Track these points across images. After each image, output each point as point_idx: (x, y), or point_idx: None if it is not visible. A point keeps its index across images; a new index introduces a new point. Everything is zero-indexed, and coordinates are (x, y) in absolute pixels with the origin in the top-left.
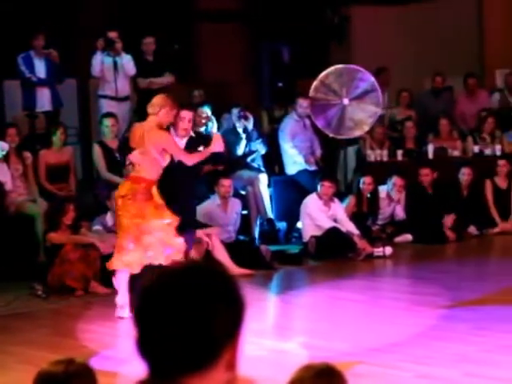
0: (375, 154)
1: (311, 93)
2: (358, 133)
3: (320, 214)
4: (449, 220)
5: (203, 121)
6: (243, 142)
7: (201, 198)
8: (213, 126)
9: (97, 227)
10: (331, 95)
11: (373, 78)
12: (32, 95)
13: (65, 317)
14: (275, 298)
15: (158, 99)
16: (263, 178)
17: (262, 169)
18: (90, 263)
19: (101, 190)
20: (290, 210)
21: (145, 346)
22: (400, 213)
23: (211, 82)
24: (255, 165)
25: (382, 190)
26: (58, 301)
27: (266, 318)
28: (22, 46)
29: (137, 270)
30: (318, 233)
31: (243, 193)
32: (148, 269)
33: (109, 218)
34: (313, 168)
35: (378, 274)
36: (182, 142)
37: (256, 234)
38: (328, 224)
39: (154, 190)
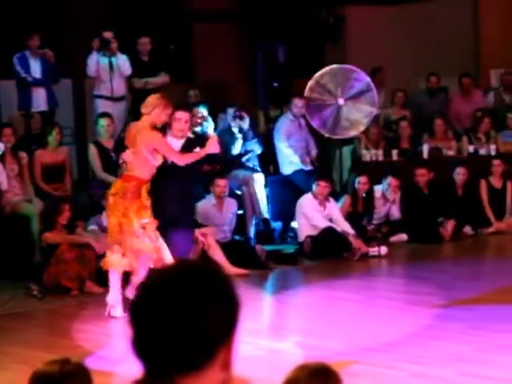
0: (370, 154)
1: (306, 93)
2: (353, 133)
3: (315, 213)
4: (449, 226)
5: (199, 121)
6: (239, 142)
7: (196, 198)
8: (208, 126)
9: (92, 227)
10: (326, 95)
11: (368, 78)
12: (27, 95)
13: (60, 317)
14: (271, 297)
15: (151, 99)
16: (259, 178)
17: (258, 169)
18: (85, 263)
19: (96, 190)
20: (286, 209)
21: (140, 346)
22: (395, 213)
23: (207, 81)
24: (251, 165)
25: (378, 189)
26: (54, 301)
27: (261, 318)
28: (17, 46)
29: (128, 269)
30: (314, 232)
31: (239, 193)
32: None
33: (104, 218)
34: (308, 168)
35: (374, 273)
36: (179, 143)
37: (251, 234)
38: (323, 224)
39: (143, 190)
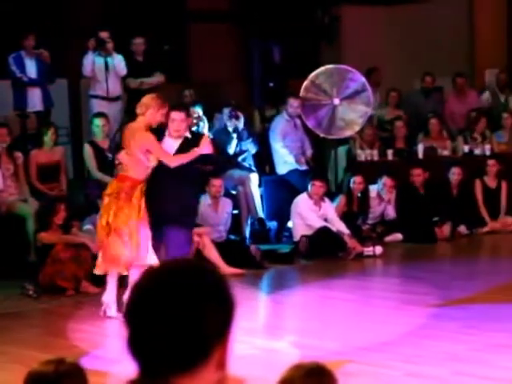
0: (365, 154)
1: (302, 93)
2: (348, 133)
3: (310, 213)
4: (445, 228)
5: (194, 121)
6: (234, 142)
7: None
8: (204, 126)
9: (87, 227)
10: (322, 95)
11: (363, 78)
12: (23, 95)
13: (56, 316)
14: (266, 297)
15: (145, 99)
16: (254, 178)
17: (253, 168)
18: (81, 263)
19: (92, 190)
20: (281, 209)
21: (135, 346)
22: (391, 212)
23: (202, 81)
24: (246, 164)
25: (373, 189)
26: (49, 300)
27: (256, 317)
28: (12, 46)
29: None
30: (309, 232)
31: (234, 192)
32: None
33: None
34: (303, 168)
35: (369, 273)
36: (176, 144)
37: (247, 234)
38: (318, 223)
39: (138, 190)
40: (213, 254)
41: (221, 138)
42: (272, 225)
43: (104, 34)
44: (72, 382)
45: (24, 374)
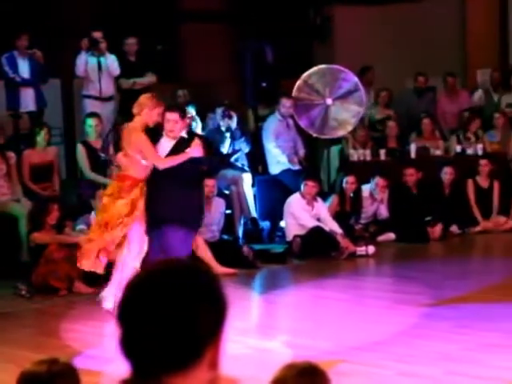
0: (358, 154)
1: (294, 93)
2: (341, 132)
3: (303, 213)
4: (436, 230)
5: (187, 121)
6: (227, 141)
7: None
8: (197, 126)
9: (80, 227)
10: (314, 95)
11: (356, 78)
12: (16, 95)
13: (48, 316)
14: (259, 296)
15: (141, 99)
16: (247, 178)
17: (246, 168)
18: (74, 263)
19: (84, 190)
20: (274, 209)
21: (128, 345)
22: (383, 212)
23: (195, 81)
24: (239, 164)
25: (365, 189)
26: (42, 300)
27: (249, 317)
28: (5, 46)
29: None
30: (302, 232)
31: (227, 192)
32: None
33: (93, 218)
34: (296, 167)
35: (361, 272)
36: (170, 144)
37: (240, 234)
38: (311, 223)
39: (137, 189)
40: (205, 254)
41: (214, 138)
42: (265, 224)
43: (97, 34)
44: (65, 381)
45: (17, 374)
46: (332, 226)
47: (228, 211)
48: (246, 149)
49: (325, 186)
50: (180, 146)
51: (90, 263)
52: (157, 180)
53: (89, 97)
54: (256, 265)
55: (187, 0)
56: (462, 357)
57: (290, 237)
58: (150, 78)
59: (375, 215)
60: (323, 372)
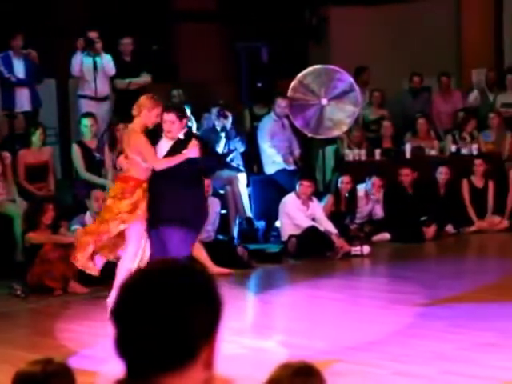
0: (353, 154)
1: (289, 93)
2: (336, 132)
3: (298, 213)
4: (430, 231)
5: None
6: (223, 141)
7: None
8: (192, 126)
9: (76, 227)
10: (310, 95)
11: (351, 79)
12: (11, 95)
13: (44, 316)
14: (254, 296)
15: (140, 100)
16: (242, 178)
17: (242, 168)
18: (69, 263)
19: (80, 190)
20: (269, 209)
21: (123, 345)
22: (379, 212)
23: (190, 81)
24: (234, 164)
25: (360, 188)
26: (37, 300)
27: (244, 317)
28: (0, 46)
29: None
30: (297, 232)
31: (222, 192)
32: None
33: (88, 218)
34: (291, 167)
35: (356, 272)
36: (168, 145)
37: (235, 234)
38: (306, 223)
39: (140, 190)
40: (201, 254)
41: (209, 138)
42: (260, 224)
43: (93, 34)
44: (60, 381)
45: (12, 374)
46: (327, 225)
47: (223, 211)
48: (241, 149)
49: (320, 185)
50: (177, 146)
51: (83, 260)
52: (156, 180)
53: (84, 97)
54: (251, 265)
55: (182, 0)
56: (457, 356)
57: (285, 237)
58: (145, 78)
59: (370, 215)
60: (318, 372)
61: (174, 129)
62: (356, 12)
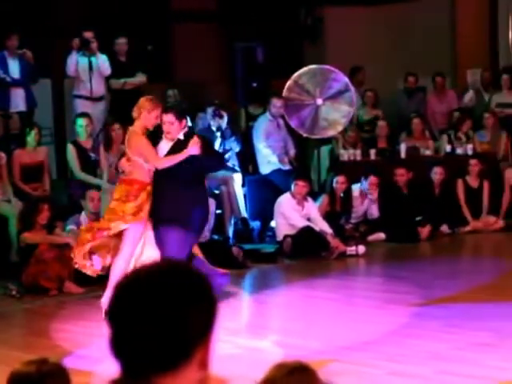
0: (348, 154)
1: (285, 93)
2: (331, 132)
3: (293, 213)
4: (425, 231)
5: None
6: (218, 141)
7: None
8: (192, 126)
9: (71, 227)
10: (305, 95)
11: (346, 79)
12: (6, 95)
13: (39, 316)
14: (249, 296)
15: (139, 102)
16: (237, 178)
17: (237, 168)
18: (65, 263)
19: (75, 190)
20: (264, 209)
21: (118, 345)
22: (374, 212)
23: (185, 81)
24: (230, 164)
25: (355, 188)
26: (32, 301)
27: (240, 317)
28: None
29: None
30: (292, 232)
31: (217, 192)
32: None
33: (83, 218)
34: (287, 167)
35: (351, 272)
36: (168, 145)
37: (230, 234)
38: (301, 223)
39: (144, 193)
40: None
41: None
42: (255, 224)
43: (88, 34)
44: (55, 382)
45: (7, 374)
46: (322, 225)
47: (218, 211)
48: (236, 148)
49: (315, 185)
50: (177, 147)
51: (80, 257)
52: (157, 180)
53: (79, 97)
54: (246, 265)
55: (178, 0)
56: (452, 356)
57: (280, 237)
58: (140, 78)
59: (365, 215)
60: (314, 372)
61: (173, 130)
62: (351, 12)
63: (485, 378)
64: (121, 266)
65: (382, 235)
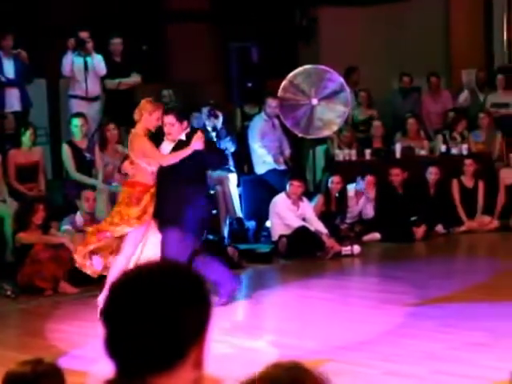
0: (344, 154)
1: (280, 93)
2: (326, 132)
3: (289, 213)
4: (420, 232)
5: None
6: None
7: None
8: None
9: (66, 227)
10: (300, 95)
11: (341, 79)
12: (1, 95)
13: (34, 317)
14: (244, 296)
15: (140, 104)
16: (232, 178)
17: (232, 168)
18: (60, 263)
19: (70, 190)
20: (259, 209)
21: (113, 345)
22: (369, 211)
23: (180, 81)
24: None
25: (351, 188)
26: (27, 301)
27: (235, 317)
28: None
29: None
30: (287, 232)
31: (212, 192)
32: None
33: (78, 218)
34: (282, 167)
35: (347, 272)
36: (170, 147)
37: (225, 234)
38: (296, 223)
39: (148, 195)
40: None
41: None
42: (250, 224)
43: (84, 34)
44: (50, 382)
45: (2, 374)
46: (317, 225)
47: (213, 211)
48: (231, 148)
49: (310, 185)
50: (179, 148)
51: (81, 256)
52: (160, 181)
53: (75, 97)
54: (241, 265)
55: (173, 0)
56: (447, 356)
57: (275, 237)
58: (135, 79)
59: (360, 215)
60: (309, 372)
61: (173, 131)
62: (346, 12)
63: (480, 377)
64: (120, 266)
65: (377, 235)
